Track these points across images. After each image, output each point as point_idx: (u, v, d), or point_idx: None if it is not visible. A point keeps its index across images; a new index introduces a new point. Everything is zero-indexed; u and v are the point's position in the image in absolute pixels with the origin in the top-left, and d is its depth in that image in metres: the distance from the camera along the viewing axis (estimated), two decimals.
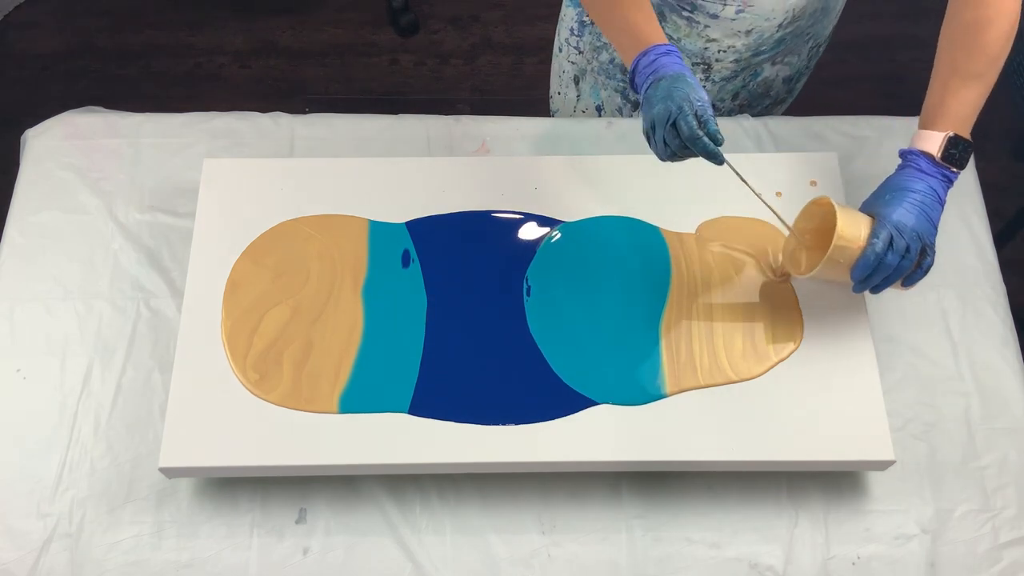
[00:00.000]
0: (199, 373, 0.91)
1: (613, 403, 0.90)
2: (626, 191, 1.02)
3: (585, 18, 1.12)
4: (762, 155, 1.08)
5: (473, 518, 0.94)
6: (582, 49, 1.15)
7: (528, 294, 0.96)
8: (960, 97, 0.83)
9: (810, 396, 0.91)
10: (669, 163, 0.84)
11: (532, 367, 0.92)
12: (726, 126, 1.17)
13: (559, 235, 1.00)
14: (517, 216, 1.01)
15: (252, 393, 0.90)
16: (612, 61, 1.13)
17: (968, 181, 1.14)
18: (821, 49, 1.15)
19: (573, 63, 1.18)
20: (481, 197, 1.02)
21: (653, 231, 1.01)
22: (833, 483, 0.96)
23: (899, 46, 2.14)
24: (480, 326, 0.94)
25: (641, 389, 0.91)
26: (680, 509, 0.95)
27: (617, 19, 0.85)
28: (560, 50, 1.19)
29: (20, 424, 0.97)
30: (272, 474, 0.92)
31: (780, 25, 0.99)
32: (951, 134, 0.83)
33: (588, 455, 0.88)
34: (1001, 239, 1.34)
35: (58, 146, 1.14)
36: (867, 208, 0.87)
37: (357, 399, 0.90)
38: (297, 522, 0.94)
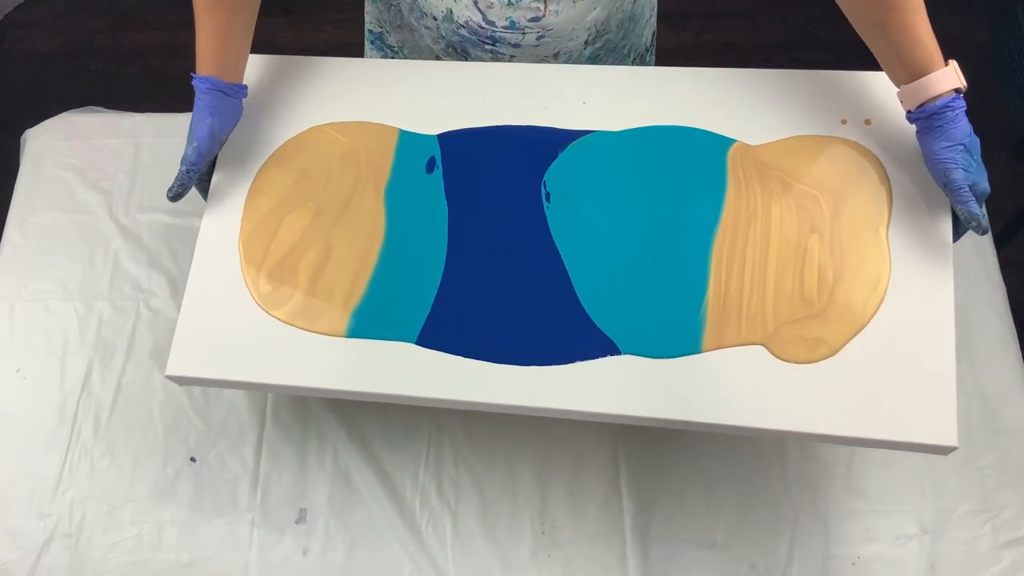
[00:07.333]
0: (215, 280, 0.87)
1: (640, 354, 0.78)
2: (691, 104, 0.88)
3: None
4: (838, 72, 0.87)
5: (473, 518, 0.94)
6: None
7: (547, 200, 0.85)
8: (926, 29, 0.76)
9: (864, 366, 0.76)
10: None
11: (554, 288, 0.82)
12: None
13: (590, 141, 0.88)
14: (558, 130, 0.90)
15: (260, 307, 0.85)
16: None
17: None
18: (648, 56, 1.12)
19: None
20: (522, 110, 0.92)
21: (714, 140, 0.86)
22: (833, 483, 0.96)
23: None
24: (500, 238, 0.85)
25: (676, 335, 0.78)
26: (680, 509, 0.95)
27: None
28: None
29: (20, 424, 0.97)
30: (266, 390, 0.90)
31: (586, 42, 0.96)
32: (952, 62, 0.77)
33: (600, 407, 0.78)
34: (1001, 239, 1.34)
35: (58, 146, 1.14)
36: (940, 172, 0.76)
37: (371, 313, 0.84)
38: (297, 522, 0.94)
